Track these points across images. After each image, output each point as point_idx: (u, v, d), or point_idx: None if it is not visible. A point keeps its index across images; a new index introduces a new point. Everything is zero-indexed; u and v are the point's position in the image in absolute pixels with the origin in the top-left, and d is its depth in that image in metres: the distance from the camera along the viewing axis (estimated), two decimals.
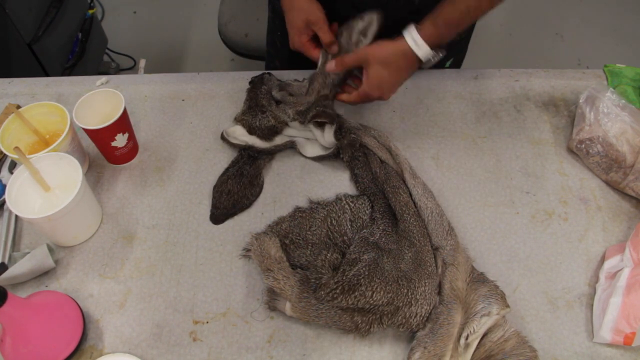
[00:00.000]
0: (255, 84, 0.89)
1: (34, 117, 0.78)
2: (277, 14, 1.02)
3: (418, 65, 0.75)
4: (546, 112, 0.92)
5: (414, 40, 0.73)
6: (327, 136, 0.82)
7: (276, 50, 1.10)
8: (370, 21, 0.78)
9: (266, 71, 0.91)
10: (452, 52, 1.01)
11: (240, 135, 0.85)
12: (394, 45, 0.75)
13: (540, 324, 0.69)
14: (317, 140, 0.84)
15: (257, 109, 0.85)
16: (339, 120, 0.83)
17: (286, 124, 0.84)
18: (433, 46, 0.73)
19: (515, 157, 0.86)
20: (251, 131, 0.85)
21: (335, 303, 0.65)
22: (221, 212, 0.79)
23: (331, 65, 0.79)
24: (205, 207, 0.80)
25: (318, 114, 0.80)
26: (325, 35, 0.78)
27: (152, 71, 1.65)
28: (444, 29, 0.73)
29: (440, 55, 0.75)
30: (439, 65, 1.00)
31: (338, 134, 0.82)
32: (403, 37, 0.74)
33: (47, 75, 1.59)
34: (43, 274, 0.73)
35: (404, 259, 0.69)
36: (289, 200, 0.81)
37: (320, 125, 0.83)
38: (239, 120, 0.86)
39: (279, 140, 0.85)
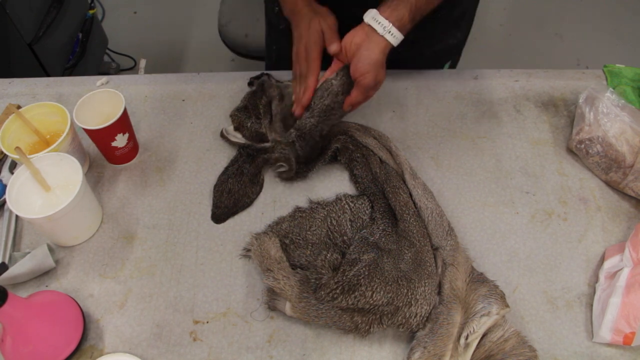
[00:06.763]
0: (256, 91, 0.88)
1: (35, 117, 0.79)
2: (273, 27, 1.01)
3: (384, 42, 0.72)
4: (546, 112, 0.92)
5: (373, 17, 0.72)
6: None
7: (272, 64, 1.10)
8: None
9: (265, 72, 0.91)
10: (450, 55, 1.02)
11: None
12: (357, 29, 0.74)
13: (539, 323, 0.69)
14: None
15: (252, 113, 0.85)
16: (326, 128, 0.82)
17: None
18: (393, 21, 0.71)
19: (515, 157, 0.86)
20: (239, 129, 0.84)
21: (335, 303, 0.65)
22: (222, 211, 0.79)
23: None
24: (205, 207, 0.80)
25: (277, 159, 0.79)
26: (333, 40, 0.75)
27: (152, 71, 1.65)
28: (400, 5, 0.71)
29: (395, 33, 0.72)
30: (437, 66, 1.00)
31: (328, 141, 0.82)
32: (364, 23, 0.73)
33: (47, 75, 1.59)
34: (43, 274, 0.73)
35: (404, 259, 0.69)
36: (289, 200, 0.81)
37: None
38: (232, 115, 0.86)
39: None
